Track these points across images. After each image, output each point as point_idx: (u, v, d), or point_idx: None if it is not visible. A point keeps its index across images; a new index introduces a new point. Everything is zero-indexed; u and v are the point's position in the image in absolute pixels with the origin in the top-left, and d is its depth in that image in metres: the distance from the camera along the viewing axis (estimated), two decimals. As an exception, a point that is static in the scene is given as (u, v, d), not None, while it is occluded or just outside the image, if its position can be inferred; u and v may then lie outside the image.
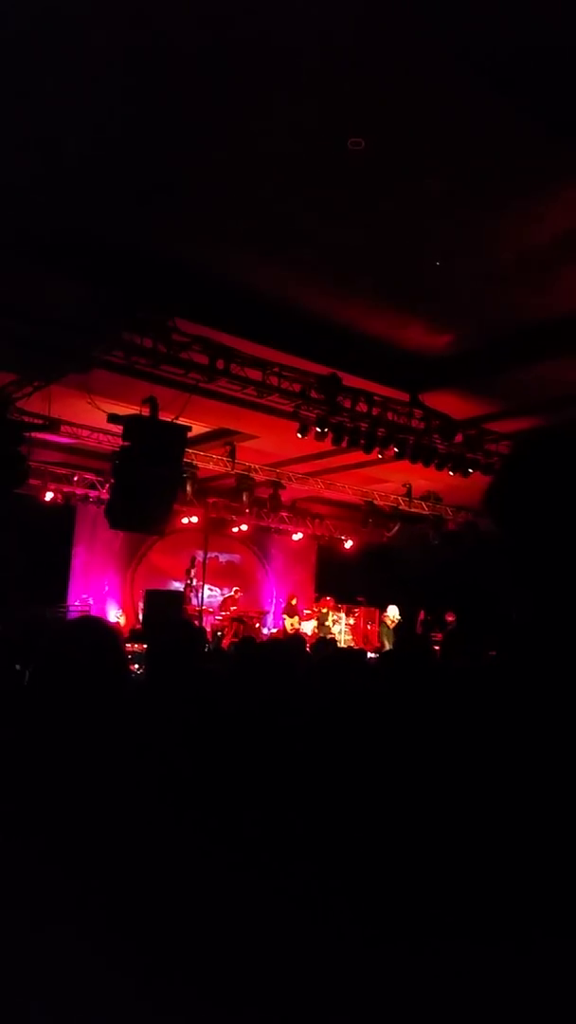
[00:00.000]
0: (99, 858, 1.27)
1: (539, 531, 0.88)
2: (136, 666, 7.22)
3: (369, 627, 15.22)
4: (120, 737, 1.53)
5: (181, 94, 4.74)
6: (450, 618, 13.15)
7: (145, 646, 9.41)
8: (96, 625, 1.73)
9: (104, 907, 1.21)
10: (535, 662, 0.89)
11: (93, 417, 9.45)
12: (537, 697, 0.87)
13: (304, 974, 0.91)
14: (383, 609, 14.38)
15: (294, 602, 14.84)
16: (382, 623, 14.28)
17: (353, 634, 14.82)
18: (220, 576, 15.48)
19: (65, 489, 13.29)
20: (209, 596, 14.52)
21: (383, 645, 13.32)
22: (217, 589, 15.21)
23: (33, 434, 9.27)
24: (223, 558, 15.70)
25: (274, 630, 14.74)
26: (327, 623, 14.32)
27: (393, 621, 13.93)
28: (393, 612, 14.05)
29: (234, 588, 14.88)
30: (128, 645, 9.58)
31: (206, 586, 14.07)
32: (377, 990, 0.82)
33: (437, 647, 6.28)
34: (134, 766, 1.47)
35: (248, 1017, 0.92)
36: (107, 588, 14.44)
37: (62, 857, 1.27)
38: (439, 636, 10.80)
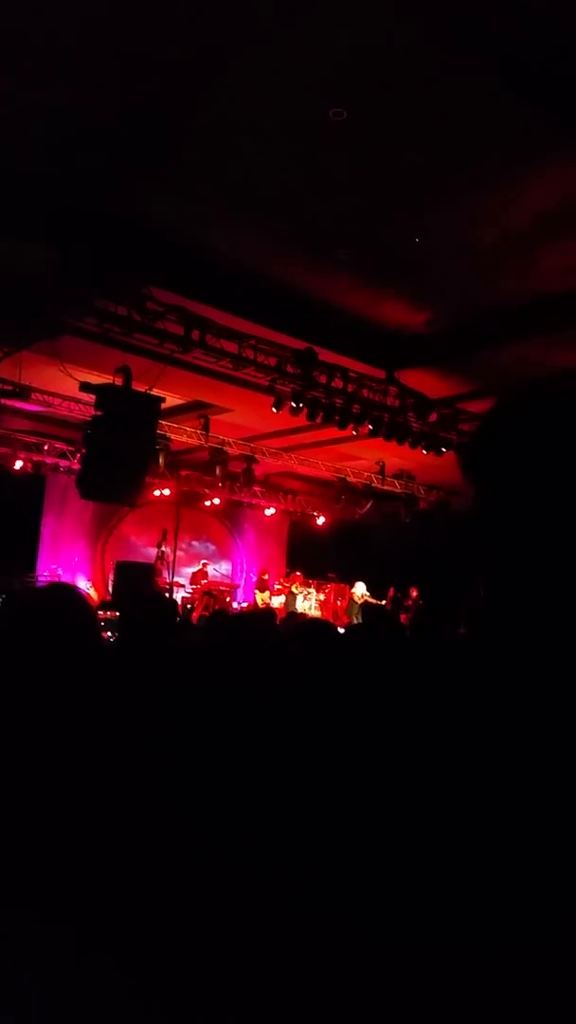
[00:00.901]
0: (75, 836, 1.25)
1: (517, 491, 0.84)
2: (108, 633, 7.21)
3: (339, 603, 15.32)
4: (96, 706, 1.52)
5: (159, 59, 4.62)
6: (414, 593, 13.30)
7: (117, 613, 9.39)
8: (68, 591, 1.71)
9: (76, 888, 1.19)
10: (506, 637, 0.89)
11: (65, 385, 9.30)
12: (510, 673, 0.87)
13: (291, 962, 0.90)
14: (352, 585, 14.50)
15: (266, 577, 14.87)
16: (350, 599, 14.40)
17: (322, 610, 14.90)
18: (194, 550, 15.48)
19: (35, 458, 13.10)
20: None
21: (351, 621, 13.43)
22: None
23: (2, 400, 9.09)
24: (196, 546, 15.67)
25: (245, 604, 14.77)
26: (296, 598, 14.39)
27: (361, 597, 14.04)
28: (360, 588, 14.16)
29: (201, 561, 14.85)
30: (100, 612, 9.55)
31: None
32: (376, 987, 0.81)
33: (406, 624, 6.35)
34: (110, 736, 1.46)
35: (247, 1017, 0.91)
36: (76, 559, 14.32)
37: (35, 836, 1.25)
38: (405, 614, 10.92)
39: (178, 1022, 0.99)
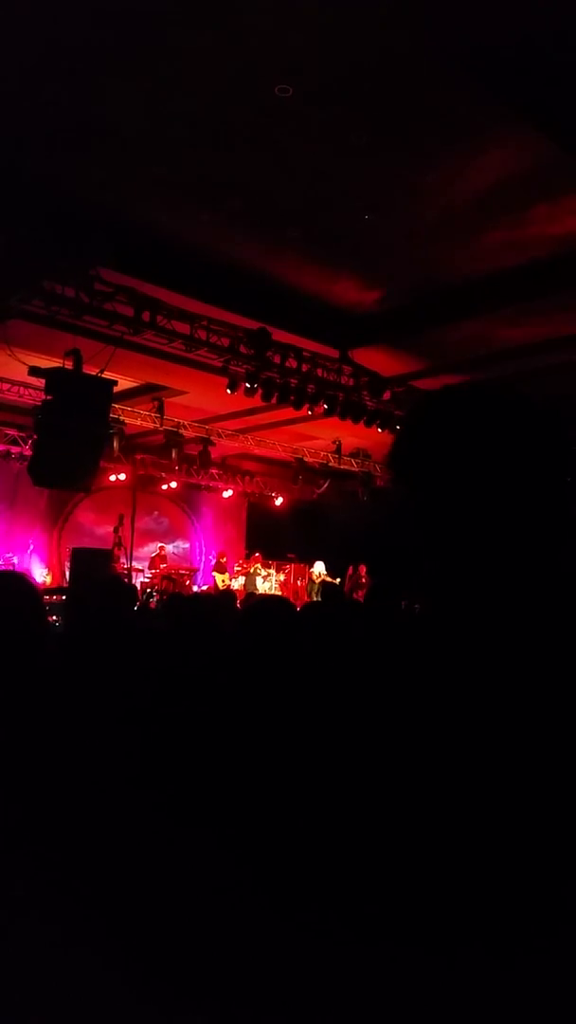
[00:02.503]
0: (37, 826, 1.23)
1: (441, 484, 0.90)
2: (54, 617, 7.13)
3: (299, 583, 15.41)
4: (42, 695, 1.51)
5: (102, 34, 4.50)
6: (362, 571, 13.43)
7: (63, 597, 9.29)
8: (10, 577, 1.69)
9: (58, 887, 1.17)
10: (448, 612, 0.92)
11: (13, 370, 9.09)
12: (453, 648, 0.90)
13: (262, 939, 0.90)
14: (311, 565, 14.59)
15: (224, 559, 14.86)
16: (309, 579, 14.49)
17: (283, 590, 14.97)
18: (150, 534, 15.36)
19: (-15, 445, 12.82)
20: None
21: (311, 600, 13.53)
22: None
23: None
24: (153, 526, 15.55)
25: (204, 587, 14.74)
26: (256, 579, 14.42)
27: (319, 576, 14.14)
28: (319, 567, 14.27)
29: (158, 545, 14.75)
30: (47, 597, 9.44)
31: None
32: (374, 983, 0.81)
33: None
34: (61, 724, 1.45)
35: (247, 1017, 0.91)
36: (32, 547, 14.09)
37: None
38: (361, 591, 11.04)
39: (177, 1022, 0.99)
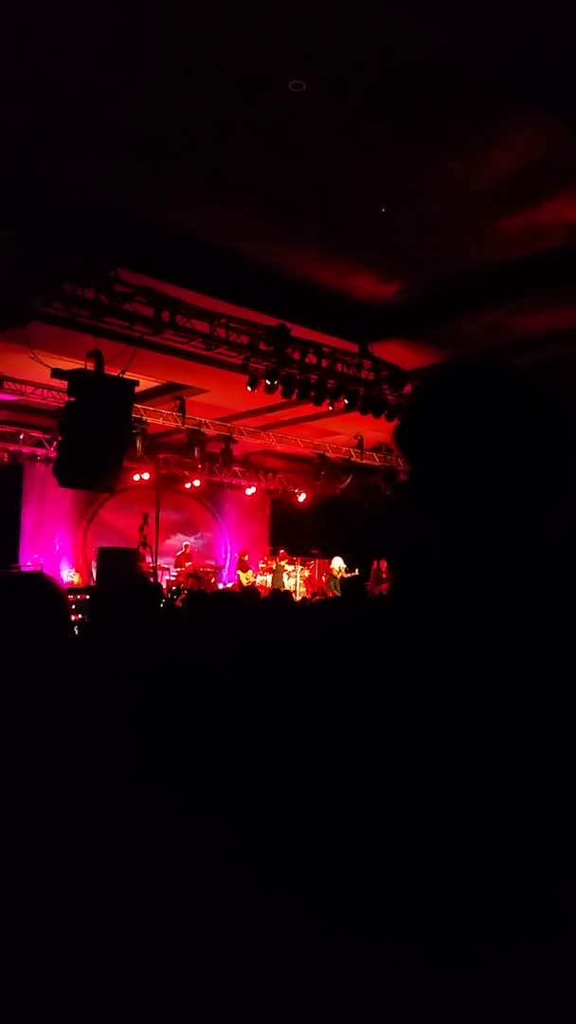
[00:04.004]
0: (55, 831, 1.24)
1: (447, 462, 0.90)
2: (81, 616, 7.21)
3: (323, 579, 15.41)
4: (66, 695, 1.52)
5: (121, 39, 4.53)
6: (384, 566, 13.39)
7: (87, 596, 9.39)
8: (34, 579, 1.72)
9: (66, 889, 1.18)
10: (444, 597, 0.91)
11: (37, 372, 9.20)
12: (447, 634, 0.89)
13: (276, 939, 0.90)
14: (331, 561, 14.61)
15: (246, 557, 14.91)
16: (330, 575, 14.50)
17: (307, 586, 14.98)
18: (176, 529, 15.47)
19: (11, 448, 12.98)
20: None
21: (333, 595, 13.53)
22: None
23: (-26, 391, 8.99)
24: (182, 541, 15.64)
25: (229, 585, 14.81)
26: (282, 576, 14.46)
27: (340, 571, 14.14)
28: (338, 563, 14.26)
29: (184, 543, 14.84)
30: (74, 596, 9.55)
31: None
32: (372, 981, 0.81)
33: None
34: (83, 724, 1.47)
35: (246, 1016, 0.91)
36: (58, 547, 14.26)
37: (16, 833, 1.24)
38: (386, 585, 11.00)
39: (176, 1022, 0.99)
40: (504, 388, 0.91)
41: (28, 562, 13.78)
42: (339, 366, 9.24)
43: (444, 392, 0.94)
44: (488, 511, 0.87)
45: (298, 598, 12.15)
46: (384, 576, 13.12)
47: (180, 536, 15.62)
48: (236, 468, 14.73)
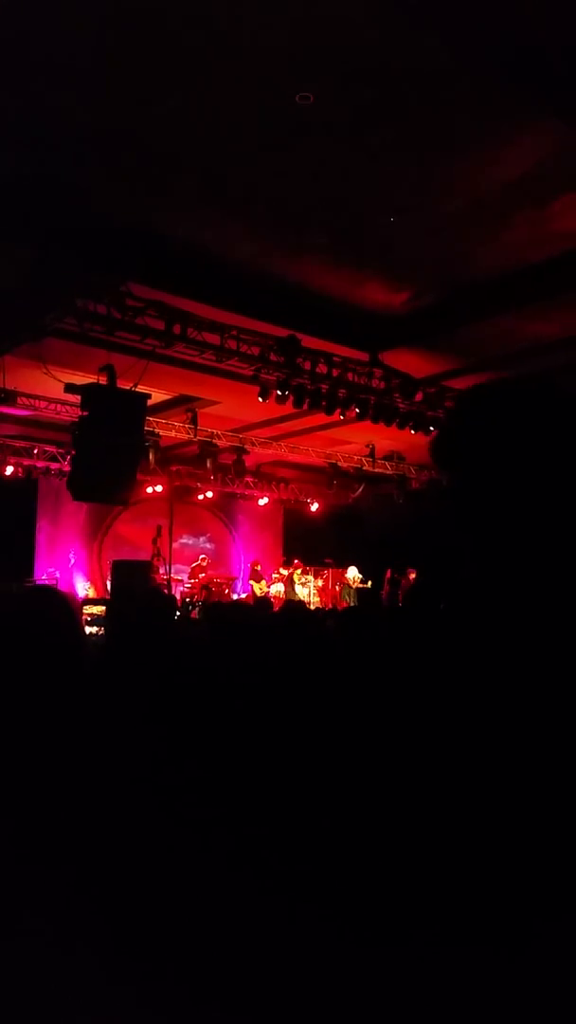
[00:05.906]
0: (68, 836, 1.24)
1: (485, 478, 0.91)
2: (97, 629, 7.23)
3: (337, 588, 15.37)
4: (81, 706, 1.52)
5: (130, 52, 4.59)
6: (412, 575, 13.33)
7: (104, 609, 9.43)
8: (47, 593, 1.72)
9: (74, 890, 1.17)
10: (478, 610, 0.91)
11: (50, 387, 9.27)
12: (479, 646, 0.89)
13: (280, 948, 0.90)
14: (346, 570, 14.56)
15: (258, 567, 14.90)
16: (345, 584, 14.46)
17: (322, 596, 14.95)
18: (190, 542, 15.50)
19: (25, 463, 13.07)
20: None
21: (348, 604, 13.48)
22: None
23: (-11, 407, 9.07)
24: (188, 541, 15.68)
25: (243, 595, 14.80)
26: (296, 586, 14.43)
27: (354, 581, 14.09)
28: (353, 572, 14.22)
29: (200, 556, 14.86)
30: (88, 609, 9.58)
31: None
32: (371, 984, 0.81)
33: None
34: (99, 734, 1.47)
35: (246, 1017, 0.91)
36: (73, 561, 14.32)
37: (29, 836, 1.23)
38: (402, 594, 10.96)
39: (176, 1022, 0.99)
40: (545, 406, 0.92)
41: (43, 576, 13.84)
42: (350, 375, 9.25)
43: (486, 408, 0.96)
44: (526, 526, 0.88)
45: (312, 608, 12.11)
46: (405, 584, 13.05)
47: (188, 538, 15.65)
48: (248, 479, 14.75)
